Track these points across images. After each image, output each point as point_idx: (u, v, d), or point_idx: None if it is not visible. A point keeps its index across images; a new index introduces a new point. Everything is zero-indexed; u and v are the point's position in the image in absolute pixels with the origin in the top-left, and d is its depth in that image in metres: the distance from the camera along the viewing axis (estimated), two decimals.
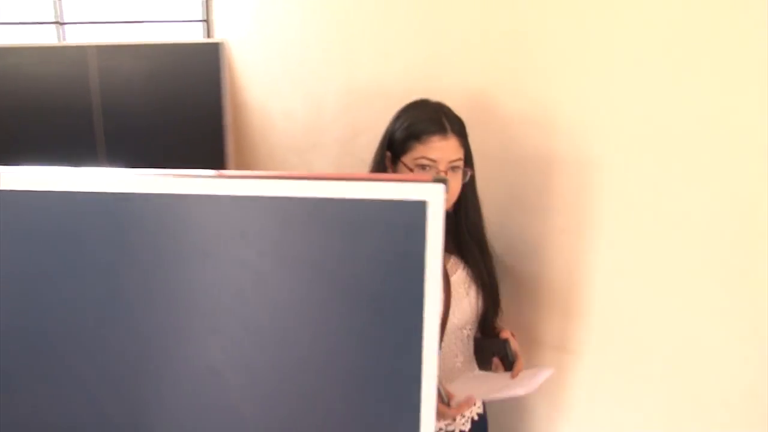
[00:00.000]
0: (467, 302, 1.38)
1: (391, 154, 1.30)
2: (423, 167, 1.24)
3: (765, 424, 1.04)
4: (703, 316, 1.13)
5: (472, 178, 1.33)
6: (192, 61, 3.31)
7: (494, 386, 1.29)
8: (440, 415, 1.22)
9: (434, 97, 1.70)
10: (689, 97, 1.08)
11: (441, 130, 1.24)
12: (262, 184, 0.80)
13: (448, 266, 1.38)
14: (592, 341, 1.36)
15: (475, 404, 1.42)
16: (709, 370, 1.12)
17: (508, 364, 1.32)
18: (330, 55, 2.16)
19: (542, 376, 1.25)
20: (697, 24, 1.04)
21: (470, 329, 1.41)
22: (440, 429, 1.40)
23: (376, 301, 0.85)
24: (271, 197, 0.80)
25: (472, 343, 1.42)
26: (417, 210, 0.81)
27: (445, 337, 1.34)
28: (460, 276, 1.39)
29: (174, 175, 0.81)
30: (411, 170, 1.26)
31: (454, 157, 1.25)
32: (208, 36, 3.69)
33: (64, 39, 3.48)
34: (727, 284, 1.08)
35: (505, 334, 1.35)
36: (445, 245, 1.34)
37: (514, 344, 1.33)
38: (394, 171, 1.30)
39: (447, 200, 1.22)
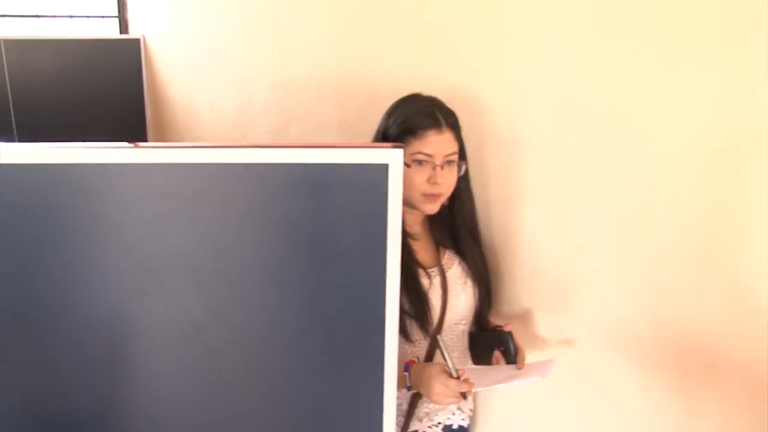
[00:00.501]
0: (464, 297, 1.37)
1: None
2: (419, 162, 1.24)
3: (670, 352, 1.23)
4: (611, 272, 1.30)
5: (466, 171, 1.33)
6: (109, 58, 3.27)
7: (499, 377, 1.27)
8: (450, 391, 1.18)
9: (366, 85, 1.82)
10: (602, 83, 1.24)
11: (436, 125, 1.24)
12: (245, 152, 0.89)
13: (444, 261, 1.37)
14: (523, 301, 1.50)
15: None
16: (620, 317, 1.30)
17: (510, 357, 1.29)
18: (260, 45, 2.23)
19: (551, 363, 1.23)
20: (612, 11, 1.19)
21: (465, 324, 1.40)
22: (438, 424, 1.37)
23: (345, 255, 0.96)
24: (253, 164, 0.90)
25: (466, 338, 1.41)
26: (380, 172, 0.92)
27: (442, 332, 1.33)
28: (455, 271, 1.37)
29: (162, 146, 0.89)
30: (408, 166, 1.24)
31: (449, 151, 1.25)
32: (123, 32, 3.65)
33: None
34: (631, 243, 1.26)
35: (508, 327, 1.32)
36: (440, 240, 1.39)
37: (515, 336, 1.32)
38: None
39: (443, 194, 1.28)
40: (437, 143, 1.23)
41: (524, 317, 1.47)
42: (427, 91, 1.45)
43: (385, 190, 0.93)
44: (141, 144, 0.87)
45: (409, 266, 1.31)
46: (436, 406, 1.37)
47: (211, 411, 1.01)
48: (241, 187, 0.91)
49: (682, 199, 1.17)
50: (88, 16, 3.64)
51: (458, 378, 1.18)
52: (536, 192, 1.41)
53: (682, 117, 1.14)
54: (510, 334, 1.31)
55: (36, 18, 3.52)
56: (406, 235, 1.32)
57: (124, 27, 3.65)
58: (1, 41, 3.06)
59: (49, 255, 0.92)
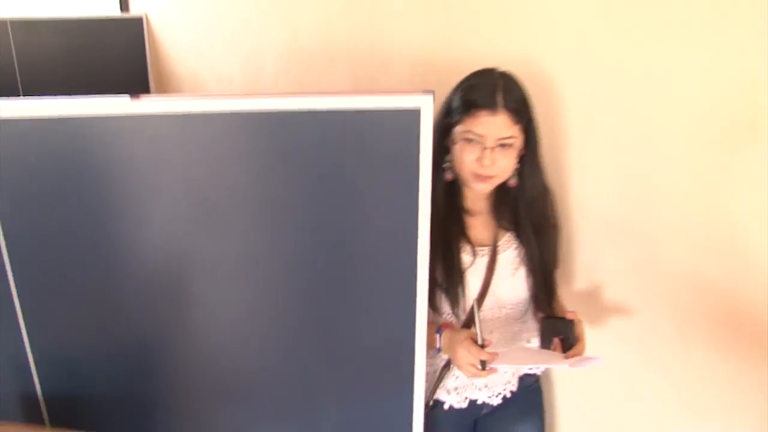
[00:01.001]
0: (511, 282, 1.34)
1: (448, 123, 1.27)
2: (469, 141, 1.22)
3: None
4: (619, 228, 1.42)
5: (534, 156, 1.28)
6: (113, 36, 3.34)
7: (535, 359, 1.28)
8: (472, 358, 1.19)
9: (377, 52, 1.92)
10: (632, 47, 1.30)
11: (490, 105, 1.20)
12: (290, 101, 1.00)
13: (501, 243, 1.34)
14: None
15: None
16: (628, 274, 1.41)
17: (568, 346, 1.25)
18: (269, 15, 2.32)
19: (595, 361, 1.19)
20: None
21: (512, 309, 1.37)
22: (465, 399, 1.39)
23: (380, 194, 1.07)
24: (297, 111, 1.01)
25: (514, 322, 1.38)
26: (412, 116, 1.04)
27: (481, 312, 1.32)
28: (509, 255, 1.34)
29: (222, 97, 1.00)
30: (456, 143, 1.24)
31: (503, 135, 1.20)
32: (123, 10, 3.71)
33: None
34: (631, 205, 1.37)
35: (571, 315, 1.26)
36: (502, 222, 1.35)
37: (579, 327, 1.27)
38: (449, 139, 1.27)
39: (495, 176, 1.24)
40: (489, 124, 1.20)
41: (584, 293, 1.48)
42: (439, 59, 1.53)
43: (418, 133, 1.05)
44: (207, 95, 0.98)
45: (453, 239, 1.30)
46: (465, 382, 1.39)
47: (266, 328, 1.14)
48: (287, 132, 1.02)
49: (688, 163, 1.27)
50: None
51: (483, 347, 1.19)
52: (578, 157, 1.43)
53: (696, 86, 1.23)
54: (572, 323, 1.26)
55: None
56: (461, 209, 1.33)
57: (124, 5, 3.72)
58: (8, 21, 3.12)
59: (124, 197, 1.03)
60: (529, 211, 1.33)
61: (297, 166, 1.05)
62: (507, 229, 1.36)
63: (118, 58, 3.35)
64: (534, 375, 1.50)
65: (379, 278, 1.13)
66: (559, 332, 1.28)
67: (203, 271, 1.09)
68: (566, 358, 1.23)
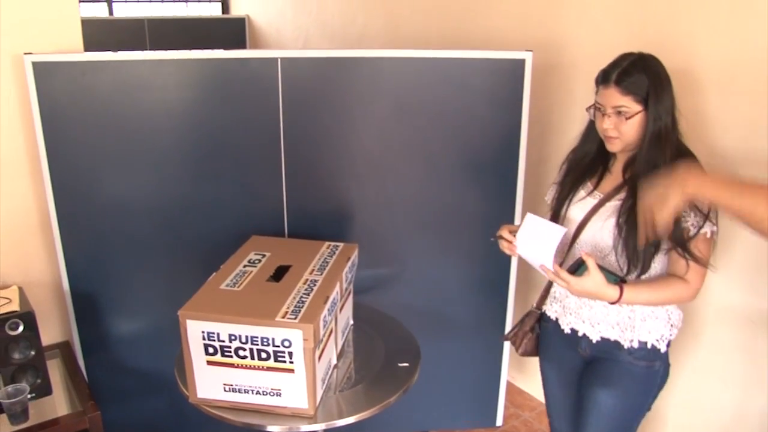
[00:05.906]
0: (598, 227, 1.47)
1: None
2: (597, 109, 1.46)
3: None
4: None
5: (652, 129, 1.41)
6: (220, 32, 4.20)
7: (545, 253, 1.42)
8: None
9: (466, 42, 2.66)
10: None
11: (604, 81, 1.42)
12: (433, 53, 1.78)
13: (617, 195, 1.48)
14: None
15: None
16: None
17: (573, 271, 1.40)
18: (373, 10, 3.07)
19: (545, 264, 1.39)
20: None
21: (592, 250, 1.49)
22: (558, 312, 1.62)
23: (491, 127, 1.83)
24: (435, 58, 1.78)
25: (605, 258, 1.49)
26: (519, 64, 1.80)
27: (577, 244, 1.51)
28: (611, 205, 1.48)
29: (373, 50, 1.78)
30: (593, 110, 1.47)
31: (615, 104, 1.40)
32: (225, 12, 4.54)
33: (112, 13, 4.23)
34: None
35: (584, 257, 1.37)
36: (627, 179, 1.49)
37: (590, 265, 1.36)
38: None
39: (616, 138, 1.44)
40: (603, 96, 1.42)
41: None
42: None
43: (523, 78, 1.81)
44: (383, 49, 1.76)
45: (581, 177, 1.56)
46: (560, 294, 1.62)
47: (428, 187, 1.91)
48: (435, 71, 1.80)
49: None
50: (198, 1, 4.53)
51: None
52: None
53: None
54: (581, 261, 1.40)
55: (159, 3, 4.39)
56: (602, 163, 1.54)
57: (225, 8, 4.54)
58: (145, 20, 3.95)
59: (327, 105, 1.81)
60: (639, 172, 1.43)
61: (431, 92, 1.82)
62: (629, 187, 1.48)
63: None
64: (649, 351, 1.52)
65: (489, 172, 1.90)
66: (575, 263, 1.44)
67: (396, 143, 1.86)
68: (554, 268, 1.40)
